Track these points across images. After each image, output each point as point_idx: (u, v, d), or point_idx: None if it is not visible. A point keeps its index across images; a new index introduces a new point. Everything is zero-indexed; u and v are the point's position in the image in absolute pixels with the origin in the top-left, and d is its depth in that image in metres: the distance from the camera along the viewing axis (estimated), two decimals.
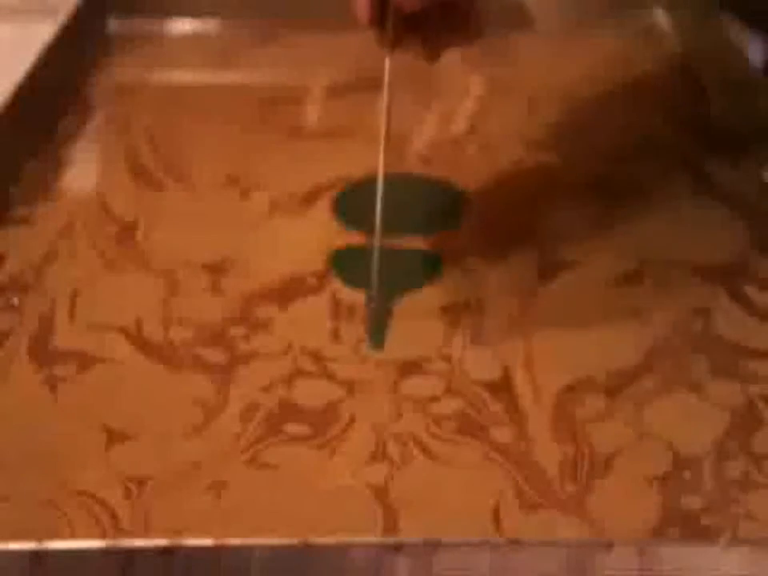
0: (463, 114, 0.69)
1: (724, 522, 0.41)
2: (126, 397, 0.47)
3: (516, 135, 0.65)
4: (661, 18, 0.79)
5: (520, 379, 0.48)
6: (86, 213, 0.59)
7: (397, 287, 0.52)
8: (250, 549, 0.39)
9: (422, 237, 0.56)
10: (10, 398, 0.47)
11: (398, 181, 0.56)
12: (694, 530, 0.41)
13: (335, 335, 0.50)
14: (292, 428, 0.45)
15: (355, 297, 0.52)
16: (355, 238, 0.56)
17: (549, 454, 0.44)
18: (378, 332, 0.50)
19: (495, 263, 0.55)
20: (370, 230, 0.51)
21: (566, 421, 0.46)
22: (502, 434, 0.45)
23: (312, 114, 0.70)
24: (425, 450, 0.44)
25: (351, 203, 0.59)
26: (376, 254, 0.50)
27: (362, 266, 0.51)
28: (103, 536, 0.40)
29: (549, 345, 0.50)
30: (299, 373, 0.48)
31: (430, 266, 0.54)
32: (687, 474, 0.43)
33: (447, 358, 0.49)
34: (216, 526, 0.41)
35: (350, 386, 0.47)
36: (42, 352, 0.49)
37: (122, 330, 0.50)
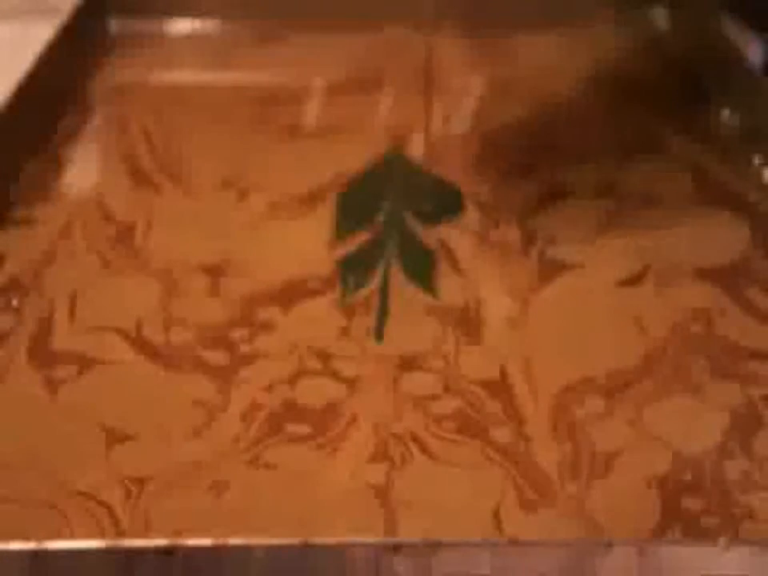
0: (463, 114, 0.69)
1: (724, 522, 0.41)
2: (126, 398, 0.47)
3: (515, 136, 0.65)
4: (661, 18, 0.79)
5: (519, 379, 0.48)
6: (85, 213, 0.59)
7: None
8: (249, 549, 0.39)
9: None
10: (9, 398, 0.47)
11: (399, 177, 0.55)
12: (694, 530, 0.41)
13: (338, 334, 0.50)
14: (293, 427, 0.45)
15: (358, 295, 0.52)
16: (356, 238, 0.56)
17: (549, 453, 0.44)
18: (380, 323, 0.50)
19: (495, 263, 0.55)
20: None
21: (565, 421, 0.46)
22: (502, 434, 0.45)
23: (312, 114, 0.70)
24: (425, 449, 0.44)
25: (351, 203, 0.59)
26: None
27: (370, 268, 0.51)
28: (103, 536, 0.40)
29: (548, 345, 0.50)
30: (302, 372, 0.48)
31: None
32: (687, 475, 0.43)
33: (447, 358, 0.49)
34: (216, 526, 0.41)
35: (352, 384, 0.47)
36: (42, 353, 0.49)
37: (122, 332, 0.50)
